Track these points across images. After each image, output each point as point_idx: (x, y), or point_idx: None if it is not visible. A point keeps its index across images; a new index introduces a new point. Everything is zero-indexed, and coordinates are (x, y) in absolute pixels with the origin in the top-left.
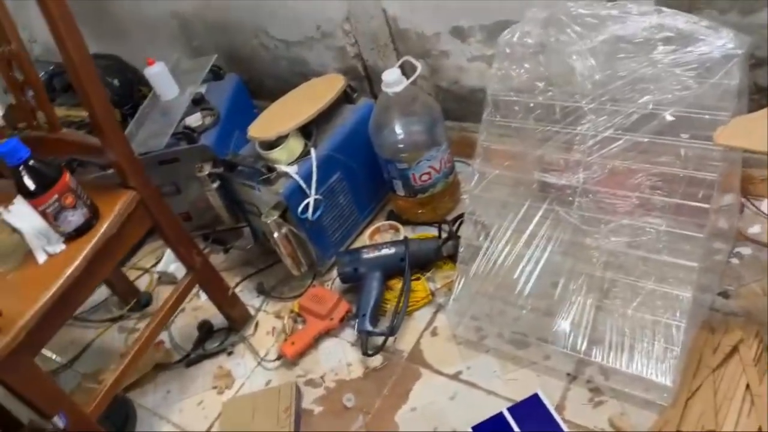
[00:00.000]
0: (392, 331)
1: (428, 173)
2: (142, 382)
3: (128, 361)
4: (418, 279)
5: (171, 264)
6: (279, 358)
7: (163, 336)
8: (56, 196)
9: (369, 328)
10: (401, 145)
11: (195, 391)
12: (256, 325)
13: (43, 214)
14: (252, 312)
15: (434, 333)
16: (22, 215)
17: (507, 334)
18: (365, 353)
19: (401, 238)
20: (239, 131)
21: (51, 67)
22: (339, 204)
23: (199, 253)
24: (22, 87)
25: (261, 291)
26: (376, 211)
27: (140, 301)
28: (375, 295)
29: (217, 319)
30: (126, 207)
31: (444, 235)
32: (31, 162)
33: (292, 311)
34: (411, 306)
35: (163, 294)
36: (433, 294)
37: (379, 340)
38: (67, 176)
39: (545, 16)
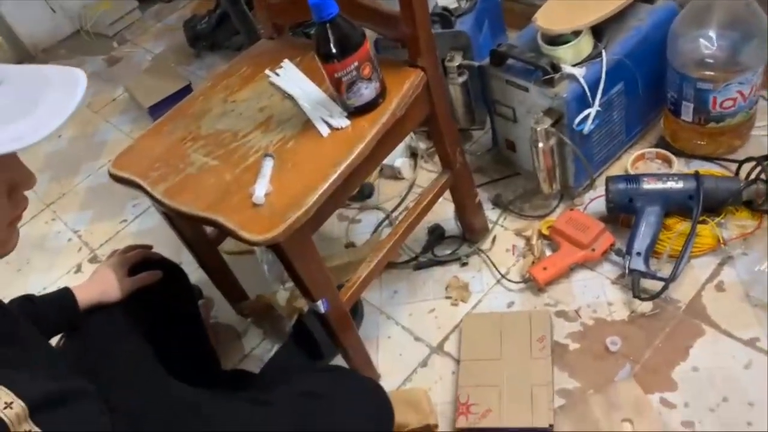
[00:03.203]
0: (673, 277)
1: (734, 99)
2: (368, 278)
3: (381, 257)
4: (703, 222)
5: (397, 158)
6: (525, 280)
7: None
8: (356, 63)
9: (643, 268)
10: (711, 60)
11: (424, 296)
12: (494, 239)
13: (337, 83)
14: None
15: (720, 288)
16: (293, 80)
17: None
18: (636, 296)
19: (673, 170)
20: (488, 21)
21: None
22: (611, 120)
23: (461, 153)
24: None
25: (497, 203)
26: (639, 135)
27: (363, 191)
28: (652, 234)
29: (447, 225)
30: (414, 88)
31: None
32: (338, 20)
33: (540, 232)
34: (692, 252)
35: (384, 187)
36: (723, 242)
37: (651, 284)
38: (368, 43)
39: None
